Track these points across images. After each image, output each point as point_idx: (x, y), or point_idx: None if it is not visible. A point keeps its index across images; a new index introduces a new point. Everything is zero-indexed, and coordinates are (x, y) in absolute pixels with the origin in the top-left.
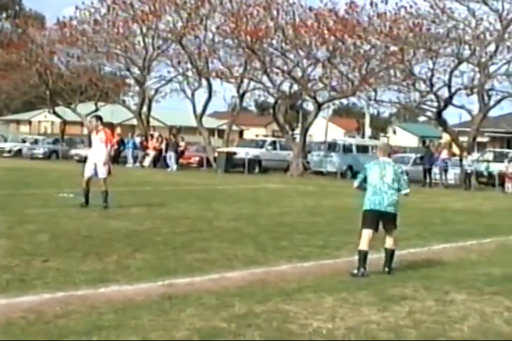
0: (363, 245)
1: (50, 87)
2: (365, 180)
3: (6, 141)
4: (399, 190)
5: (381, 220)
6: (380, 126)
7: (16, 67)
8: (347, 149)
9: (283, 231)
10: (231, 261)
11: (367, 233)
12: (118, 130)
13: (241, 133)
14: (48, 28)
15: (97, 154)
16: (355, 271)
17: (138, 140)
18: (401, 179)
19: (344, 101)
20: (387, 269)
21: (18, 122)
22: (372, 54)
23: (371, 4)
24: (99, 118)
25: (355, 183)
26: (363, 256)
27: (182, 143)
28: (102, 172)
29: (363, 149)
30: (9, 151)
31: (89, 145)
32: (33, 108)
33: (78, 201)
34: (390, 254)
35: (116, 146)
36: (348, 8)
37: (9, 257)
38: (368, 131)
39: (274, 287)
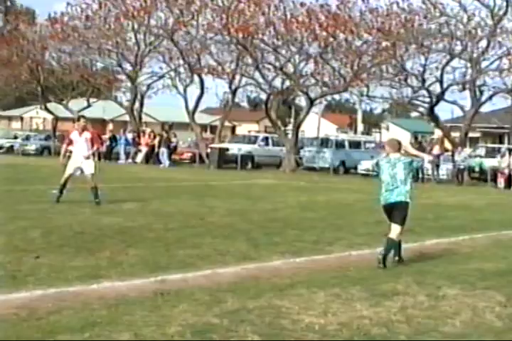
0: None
1: (42, 83)
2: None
3: None
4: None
5: (393, 209)
6: (372, 121)
7: (7, 63)
8: (339, 145)
9: (276, 227)
10: (224, 256)
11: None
12: (110, 126)
13: (233, 129)
14: (39, 24)
15: (83, 153)
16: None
17: (130, 136)
18: (413, 167)
19: (336, 96)
20: (380, 256)
21: (9, 118)
22: (364, 49)
23: (363, 0)
24: (85, 118)
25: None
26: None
27: (174, 139)
28: (89, 169)
29: (355, 145)
30: (1, 147)
31: (69, 144)
32: (24, 104)
33: (70, 197)
34: (390, 243)
35: (100, 147)
36: (339, 4)
37: (1, 254)
38: (361, 127)
39: (266, 283)
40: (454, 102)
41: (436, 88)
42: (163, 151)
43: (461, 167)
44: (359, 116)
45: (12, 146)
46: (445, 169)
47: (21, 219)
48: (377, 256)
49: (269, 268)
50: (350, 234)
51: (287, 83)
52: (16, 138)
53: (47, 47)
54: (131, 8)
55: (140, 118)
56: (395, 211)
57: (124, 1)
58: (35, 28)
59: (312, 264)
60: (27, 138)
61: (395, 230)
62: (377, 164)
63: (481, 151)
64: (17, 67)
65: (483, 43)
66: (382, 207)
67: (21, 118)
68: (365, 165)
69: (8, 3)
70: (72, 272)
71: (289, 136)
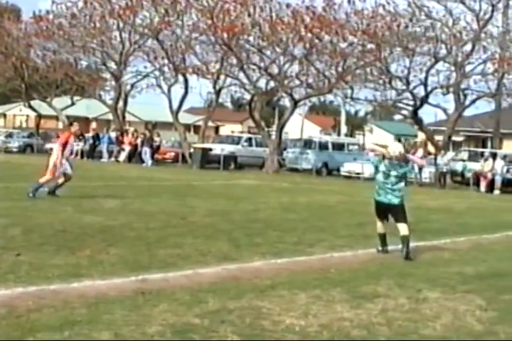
0: (379, 229)
1: (26, 81)
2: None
3: None
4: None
5: (388, 212)
6: (356, 123)
7: None
8: (323, 146)
9: (257, 228)
10: (205, 256)
11: (379, 223)
12: (93, 124)
13: (217, 129)
14: (24, 21)
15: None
16: (380, 248)
17: (113, 135)
18: (406, 175)
19: (321, 98)
20: (404, 254)
21: None
22: (349, 51)
23: (349, 1)
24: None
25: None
26: (382, 237)
27: (157, 139)
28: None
29: (338, 147)
30: None
31: (64, 147)
32: (8, 101)
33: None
34: (405, 240)
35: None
36: (325, 6)
37: None
38: (344, 129)
39: (247, 283)
40: (437, 105)
41: (421, 91)
42: (146, 150)
43: (444, 170)
44: (343, 118)
45: None
46: (428, 172)
47: (2, 216)
48: (402, 254)
49: (250, 268)
50: (331, 236)
51: (272, 84)
52: None
53: (31, 44)
54: (117, 7)
55: (123, 117)
56: (394, 213)
57: (109, 0)
58: (20, 26)
59: (293, 265)
60: (10, 135)
61: (403, 229)
62: (376, 166)
63: (464, 155)
64: (1, 64)
65: (468, 47)
66: (374, 201)
67: (4, 116)
68: (347, 167)
69: None
70: (53, 270)
71: (273, 137)
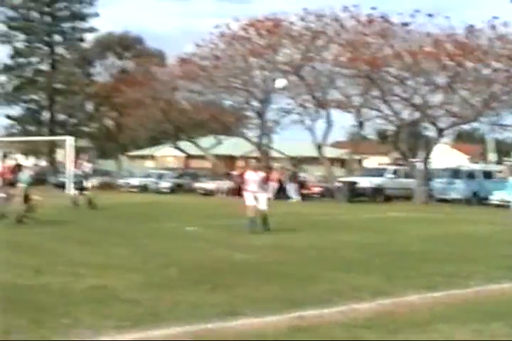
0: None
1: (174, 123)
2: None
3: (132, 176)
4: None
5: None
6: (505, 150)
7: (140, 104)
8: (471, 175)
9: (409, 260)
10: (359, 292)
11: None
12: (240, 163)
13: (360, 161)
14: (169, 65)
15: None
16: None
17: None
18: None
19: (466, 126)
20: None
21: (142, 157)
22: (494, 78)
23: (491, 27)
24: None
25: None
26: None
27: (303, 174)
28: (263, 203)
29: (487, 175)
30: (136, 186)
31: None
32: (157, 143)
33: (204, 234)
34: None
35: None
36: (467, 32)
37: (140, 291)
38: (493, 157)
39: (403, 318)
40: None
41: None
42: (292, 186)
43: None
44: (489, 146)
45: (146, 185)
46: None
47: (157, 256)
48: None
49: (404, 303)
50: (487, 267)
51: (415, 114)
52: (149, 176)
53: (177, 87)
54: (258, 46)
55: (268, 153)
56: None
57: (250, 40)
58: (165, 69)
59: (449, 299)
60: (160, 176)
61: None
62: None
63: None
64: (150, 107)
65: None
66: None
67: (153, 157)
68: (497, 196)
69: (140, 47)
70: (210, 309)
71: (418, 167)
